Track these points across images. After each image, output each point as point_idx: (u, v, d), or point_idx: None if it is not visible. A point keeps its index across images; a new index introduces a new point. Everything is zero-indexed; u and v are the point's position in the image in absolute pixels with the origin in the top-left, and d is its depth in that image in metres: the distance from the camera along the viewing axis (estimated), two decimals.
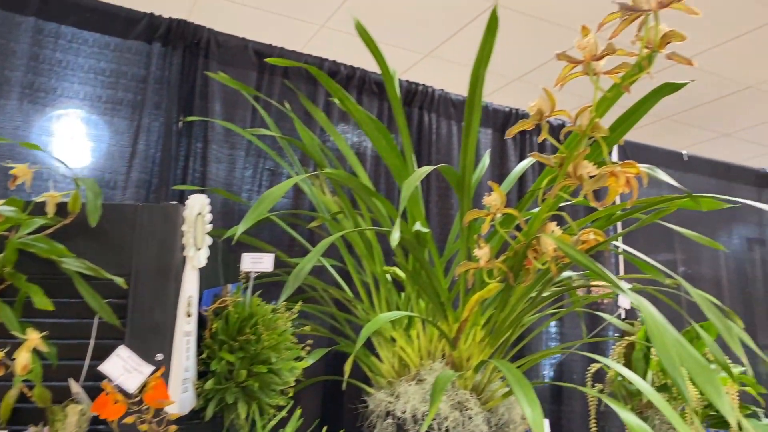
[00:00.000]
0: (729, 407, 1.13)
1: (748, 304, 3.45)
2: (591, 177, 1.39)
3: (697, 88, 4.50)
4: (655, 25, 1.16)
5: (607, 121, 1.76)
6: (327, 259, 2.24)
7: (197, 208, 1.21)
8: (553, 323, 2.72)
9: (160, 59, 2.25)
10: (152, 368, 1.09)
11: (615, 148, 3.26)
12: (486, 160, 2.60)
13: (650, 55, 1.22)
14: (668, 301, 2.09)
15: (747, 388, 2.16)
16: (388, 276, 2.23)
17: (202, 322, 1.27)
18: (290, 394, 1.29)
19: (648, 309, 1.20)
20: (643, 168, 1.37)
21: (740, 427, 2.10)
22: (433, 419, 1.86)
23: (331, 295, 2.25)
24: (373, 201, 1.88)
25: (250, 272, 1.34)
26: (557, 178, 1.51)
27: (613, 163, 1.40)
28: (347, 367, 1.62)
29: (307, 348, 1.40)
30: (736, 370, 2.19)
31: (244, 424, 1.19)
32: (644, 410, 2.13)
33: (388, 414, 1.94)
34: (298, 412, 1.39)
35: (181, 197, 2.21)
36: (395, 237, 1.30)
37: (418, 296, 2.09)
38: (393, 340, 2.06)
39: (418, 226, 1.78)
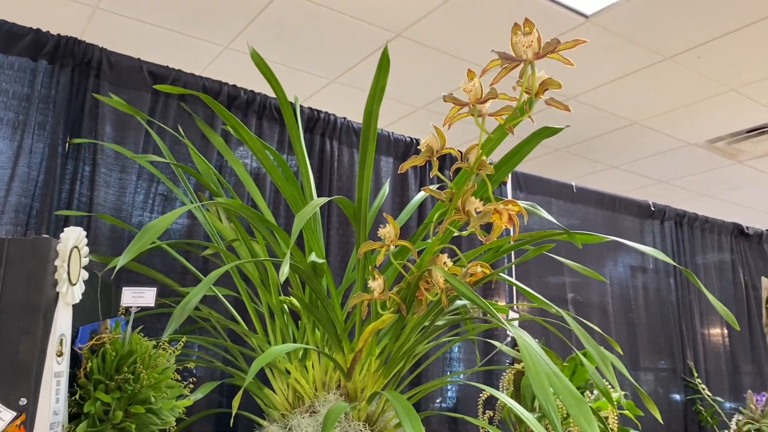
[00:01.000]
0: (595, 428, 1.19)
1: (632, 329, 3.65)
2: (477, 213, 1.44)
3: (586, 123, 4.77)
4: (532, 74, 1.23)
5: (496, 156, 1.83)
6: (220, 288, 2.19)
7: (72, 241, 1.14)
8: (455, 349, 2.77)
9: (46, 77, 2.14)
10: (14, 414, 1.02)
11: (509, 178, 3.40)
12: (386, 189, 2.64)
13: (530, 101, 1.28)
14: (554, 330, 2.18)
15: (625, 411, 2.28)
16: (286, 306, 2.21)
17: (76, 361, 1.21)
18: None
19: (525, 341, 1.25)
20: (524, 205, 1.43)
21: None
22: None
23: (225, 326, 2.20)
24: (268, 231, 1.86)
25: (130, 307, 1.29)
26: (447, 213, 1.55)
27: (498, 199, 1.46)
28: (235, 402, 1.58)
29: (191, 386, 1.35)
30: (616, 394, 2.31)
31: None
32: None
33: None
34: None
35: (65, 223, 2.10)
36: (285, 271, 1.29)
37: (314, 327, 2.08)
38: (288, 372, 2.03)
39: (313, 257, 1.78)
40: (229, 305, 2.17)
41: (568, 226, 3.39)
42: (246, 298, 2.13)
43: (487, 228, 1.61)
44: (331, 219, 2.75)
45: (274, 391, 2.06)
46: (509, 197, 3.44)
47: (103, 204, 2.15)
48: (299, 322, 2.15)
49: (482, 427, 1.74)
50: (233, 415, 1.58)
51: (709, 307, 4.10)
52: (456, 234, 1.59)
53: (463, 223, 1.58)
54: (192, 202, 2.16)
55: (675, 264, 1.80)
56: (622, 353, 2.26)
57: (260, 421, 2.03)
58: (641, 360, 3.64)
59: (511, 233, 1.51)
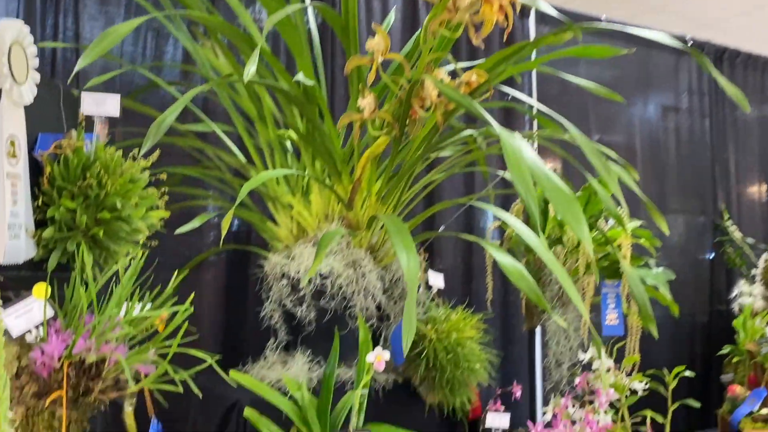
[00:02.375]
0: (587, 236, 1.12)
1: (660, 171, 3.51)
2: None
3: None
4: None
5: None
6: (220, 125, 2.12)
7: (11, 35, 1.06)
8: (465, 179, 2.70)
9: None
10: None
11: (532, 13, 3.15)
12: (392, 17, 2.48)
13: None
14: (569, 156, 2.07)
15: (641, 240, 2.21)
16: (288, 143, 2.14)
17: (39, 169, 1.17)
18: (141, 242, 1.21)
19: (508, 139, 1.15)
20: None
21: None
22: (326, 277, 1.84)
23: (228, 164, 2.16)
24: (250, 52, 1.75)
25: (93, 116, 1.23)
26: (437, 12, 1.41)
27: None
28: (225, 223, 1.55)
29: (165, 198, 1.31)
30: (633, 224, 2.23)
31: (92, 273, 1.11)
32: (542, 266, 2.16)
33: (283, 275, 1.91)
34: (191, 297, 1.29)
35: (54, 57, 2.03)
36: (250, 71, 1.20)
37: (313, 160, 2.01)
38: (291, 206, 2.00)
39: (300, 77, 1.67)
40: (229, 141, 2.11)
41: (595, 63, 3.18)
42: (244, 133, 2.07)
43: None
44: (335, 57, 2.61)
45: (278, 225, 2.04)
46: (533, 32, 3.21)
47: (89, 38, 2.06)
48: (301, 157, 2.09)
49: (489, 250, 1.69)
50: (222, 236, 1.56)
51: (746, 151, 3.90)
52: (449, 38, 1.45)
53: (457, 24, 1.44)
54: (186, 37, 2.05)
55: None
56: (637, 178, 2.15)
57: (265, 253, 2.03)
58: (669, 202, 3.52)
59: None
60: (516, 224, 1.75)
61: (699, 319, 3.57)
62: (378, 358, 1.38)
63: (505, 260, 1.46)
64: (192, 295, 1.17)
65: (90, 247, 1.16)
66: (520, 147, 1.13)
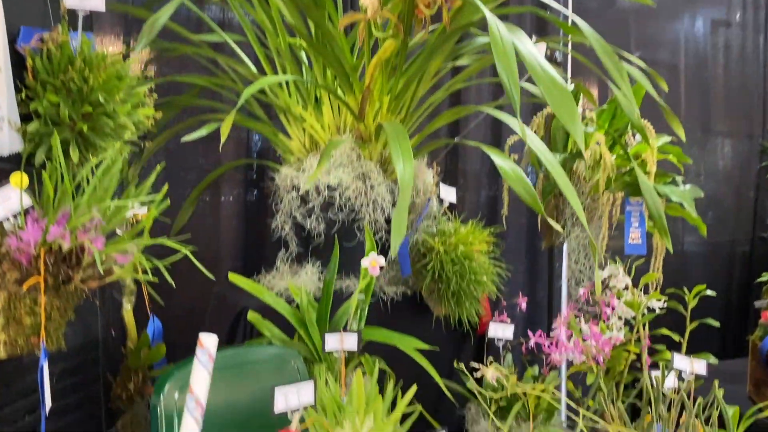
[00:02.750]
0: (580, 132, 1.06)
1: (706, 90, 3.31)
2: None
3: None
4: None
5: None
6: (231, 35, 2.08)
7: None
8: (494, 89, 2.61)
9: None
10: None
11: None
12: None
13: None
14: (601, 72, 1.96)
15: (669, 156, 2.10)
16: (303, 54, 2.09)
17: (23, 62, 1.16)
18: (125, 139, 1.20)
19: (496, 26, 1.08)
20: None
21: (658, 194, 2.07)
22: (334, 189, 1.83)
23: (241, 76, 2.13)
24: None
25: (77, 10, 1.21)
26: None
27: None
28: (224, 127, 1.54)
29: (154, 96, 1.29)
30: (663, 140, 2.12)
31: (74, 168, 1.12)
32: None
33: (293, 187, 1.90)
34: (164, 189, 1.27)
35: None
36: None
37: (324, 70, 1.96)
38: (303, 119, 1.96)
39: None
40: (241, 52, 2.08)
41: None
42: (255, 43, 2.02)
43: None
44: None
45: (290, 138, 2.02)
46: None
47: None
48: (313, 68, 2.04)
49: (490, 154, 1.63)
50: (221, 142, 1.55)
51: None
52: None
53: None
54: None
55: None
56: (666, 88, 2.04)
57: (277, 166, 2.02)
58: (715, 124, 3.34)
59: None
60: (530, 136, 1.68)
61: (740, 247, 3.44)
62: (373, 263, 1.36)
63: (505, 164, 1.41)
64: (166, 186, 1.16)
65: (77, 143, 1.16)
66: (511, 37, 1.06)
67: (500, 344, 1.67)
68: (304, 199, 1.87)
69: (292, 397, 0.99)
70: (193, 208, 2.32)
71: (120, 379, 1.39)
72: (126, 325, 1.35)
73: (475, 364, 1.34)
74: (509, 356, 1.80)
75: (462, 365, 1.65)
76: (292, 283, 1.65)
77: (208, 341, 0.86)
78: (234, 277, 1.49)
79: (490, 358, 1.74)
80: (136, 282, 1.37)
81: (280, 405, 0.98)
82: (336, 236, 1.76)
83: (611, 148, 2.02)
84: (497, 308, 1.84)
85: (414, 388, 1.45)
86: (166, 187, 1.13)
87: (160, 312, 2.24)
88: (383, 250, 1.90)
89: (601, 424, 1.49)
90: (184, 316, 2.18)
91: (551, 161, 1.45)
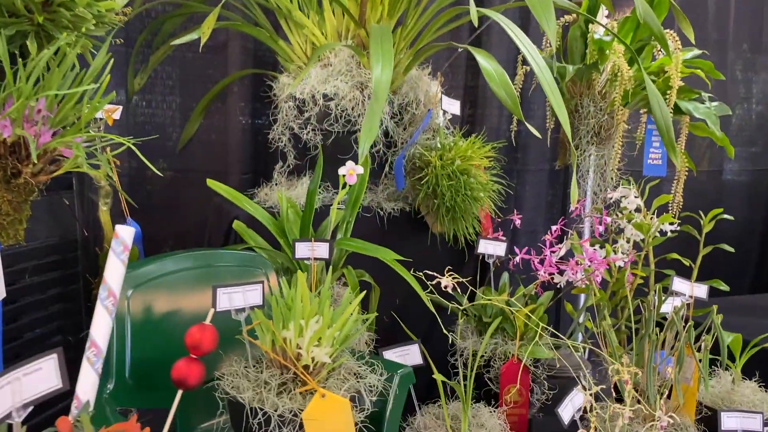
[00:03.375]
0: (553, 28, 0.95)
1: (759, 4, 3.04)
2: None
3: None
4: None
5: None
6: None
7: None
8: None
9: None
10: None
11: None
12: None
13: None
14: None
15: (697, 71, 1.94)
16: None
17: None
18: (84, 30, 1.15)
19: None
20: None
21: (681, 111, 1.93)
22: (331, 99, 1.76)
23: None
24: None
25: None
26: None
27: None
28: (204, 26, 1.49)
29: None
30: (692, 53, 1.96)
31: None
32: (582, 95, 1.97)
33: (290, 97, 1.85)
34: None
35: None
36: None
37: None
38: (304, 25, 1.88)
39: None
40: None
41: None
42: None
43: None
44: None
45: (291, 45, 1.94)
46: None
47: None
48: None
49: (474, 54, 1.52)
50: (202, 42, 1.50)
51: None
52: None
53: None
54: None
55: None
56: None
57: (277, 75, 1.96)
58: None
59: None
60: (520, 37, 1.55)
61: None
62: (350, 171, 1.31)
63: (488, 65, 1.31)
64: (108, 78, 1.12)
65: (38, 36, 1.13)
66: None
67: (490, 261, 1.62)
68: (300, 110, 1.82)
69: (237, 297, 0.97)
70: (201, 119, 2.30)
71: (97, 279, 1.40)
72: (103, 227, 1.35)
73: (432, 273, 1.29)
74: (505, 275, 1.75)
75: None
76: (280, 193, 1.62)
77: (123, 232, 0.84)
78: (213, 184, 1.46)
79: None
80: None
81: (223, 303, 0.96)
82: (322, 147, 1.71)
83: (632, 61, 1.88)
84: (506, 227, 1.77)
85: (377, 292, 1.42)
86: (107, 79, 1.08)
87: (165, 223, 2.28)
88: (380, 164, 1.85)
89: (590, 346, 1.44)
90: (188, 228, 2.20)
91: (540, 64, 1.33)
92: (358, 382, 0.96)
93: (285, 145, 1.88)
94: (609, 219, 1.63)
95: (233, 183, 2.25)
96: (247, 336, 0.95)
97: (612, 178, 1.96)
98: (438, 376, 1.22)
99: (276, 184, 1.91)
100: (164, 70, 2.28)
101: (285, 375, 0.94)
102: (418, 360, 1.32)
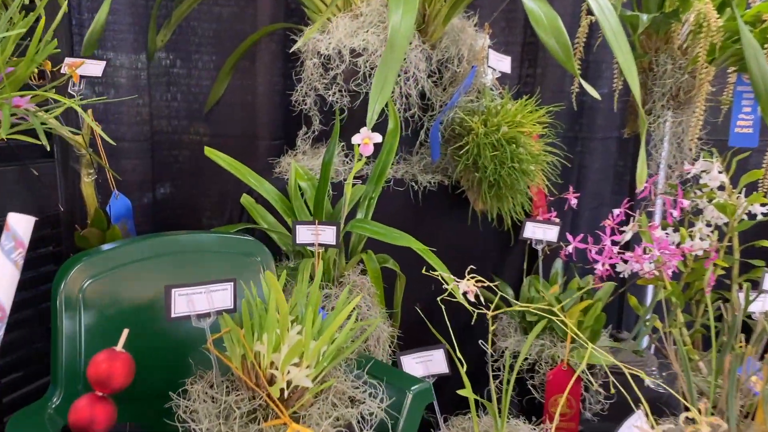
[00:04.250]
0: None
1: None
2: None
3: None
4: None
5: None
6: None
7: None
8: None
9: None
10: None
11: None
12: None
13: None
14: None
15: None
16: None
17: None
18: None
19: None
20: None
21: None
22: (359, 54, 1.53)
23: None
24: None
25: None
26: None
27: None
28: None
29: None
30: None
31: None
32: (658, 50, 1.67)
33: (316, 53, 1.63)
34: None
35: None
36: None
37: None
38: None
39: None
40: None
41: None
42: None
43: None
44: None
45: None
46: None
47: None
48: None
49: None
50: None
51: None
52: None
53: None
54: None
55: None
56: None
57: (302, 27, 1.75)
58: None
59: None
60: None
61: None
62: (365, 140, 1.09)
63: (535, 6, 1.04)
64: (47, 33, 0.92)
65: None
66: None
67: (539, 248, 1.37)
68: (325, 67, 1.60)
69: (199, 300, 0.78)
70: (229, 79, 2.11)
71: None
72: (85, 199, 1.18)
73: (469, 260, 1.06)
74: (558, 262, 1.50)
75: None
76: (295, 164, 1.41)
77: (18, 223, 0.65)
78: (210, 152, 1.27)
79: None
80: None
81: (180, 308, 0.77)
82: (347, 110, 1.48)
83: (721, 8, 1.56)
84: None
85: (403, 281, 1.21)
86: (48, 34, 0.89)
87: (199, 191, 2.11)
88: (415, 131, 1.62)
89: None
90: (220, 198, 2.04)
91: (602, 4, 1.04)
92: (351, 409, 0.76)
93: (310, 108, 1.67)
94: (686, 202, 1.34)
95: (263, 149, 2.06)
96: (212, 348, 0.75)
97: (691, 150, 1.66)
98: (468, 393, 1.00)
99: (302, 153, 1.71)
100: (189, 25, 2.09)
101: (257, 400, 0.74)
102: (442, 368, 1.11)
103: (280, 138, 2.12)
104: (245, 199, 1.31)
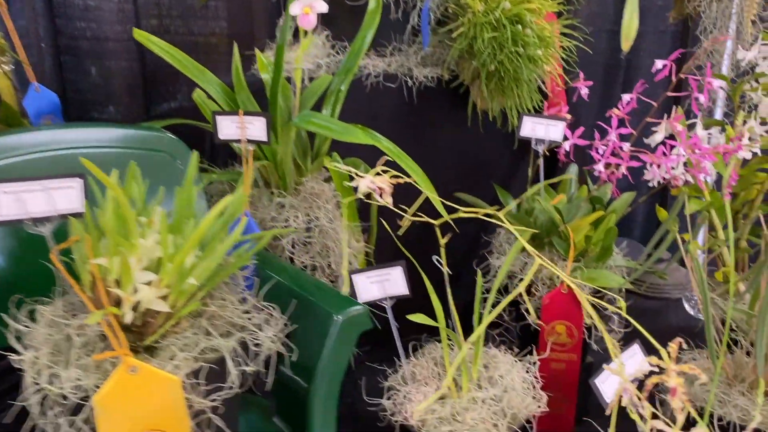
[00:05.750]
0: None
1: None
2: None
3: None
4: None
5: None
6: None
7: None
8: None
9: None
10: None
11: None
12: None
13: None
14: None
15: None
16: None
17: None
18: None
19: None
20: None
21: None
22: None
23: None
24: None
25: None
26: None
27: None
28: None
29: None
30: None
31: None
32: None
33: None
34: None
35: None
36: None
37: None
38: None
39: None
40: None
41: None
42: None
43: None
44: None
45: None
46: None
47: None
48: None
49: None
50: None
51: None
52: None
53: None
54: None
55: None
56: None
57: None
58: None
59: None
60: None
61: None
62: (306, 9, 0.87)
63: None
64: None
65: None
66: None
67: (539, 148, 1.13)
68: None
69: (34, 199, 0.61)
70: None
71: None
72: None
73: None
74: (573, 168, 1.27)
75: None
76: (260, 52, 1.21)
77: None
78: (140, 36, 1.08)
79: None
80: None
81: (7, 209, 0.60)
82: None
83: None
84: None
85: None
86: None
87: None
88: (406, 12, 1.38)
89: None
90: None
91: None
92: (226, 339, 0.59)
93: None
94: (716, 82, 1.06)
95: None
96: (56, 260, 0.60)
97: (748, 33, 1.35)
98: (419, 318, 0.82)
99: (288, 45, 1.50)
100: None
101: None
102: (402, 289, 0.91)
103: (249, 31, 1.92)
104: (197, 95, 1.13)
